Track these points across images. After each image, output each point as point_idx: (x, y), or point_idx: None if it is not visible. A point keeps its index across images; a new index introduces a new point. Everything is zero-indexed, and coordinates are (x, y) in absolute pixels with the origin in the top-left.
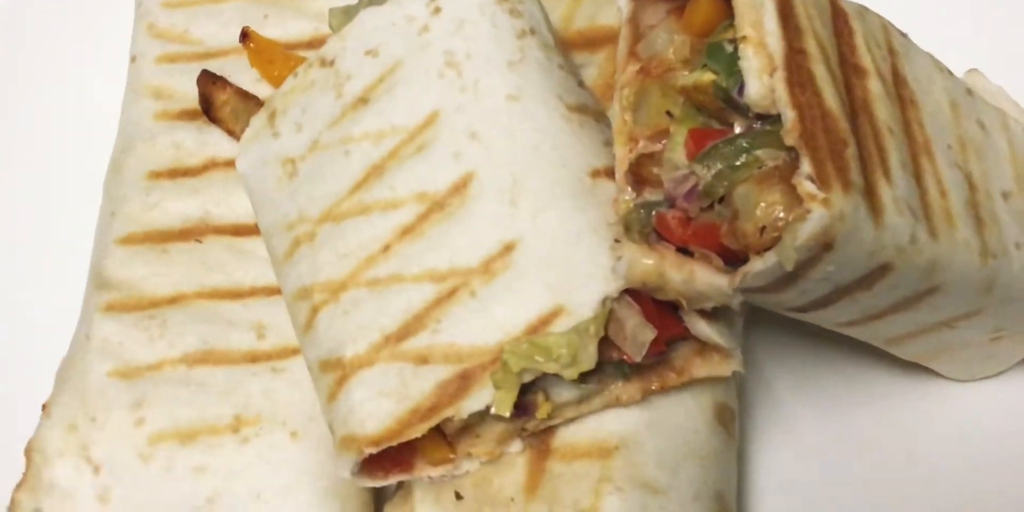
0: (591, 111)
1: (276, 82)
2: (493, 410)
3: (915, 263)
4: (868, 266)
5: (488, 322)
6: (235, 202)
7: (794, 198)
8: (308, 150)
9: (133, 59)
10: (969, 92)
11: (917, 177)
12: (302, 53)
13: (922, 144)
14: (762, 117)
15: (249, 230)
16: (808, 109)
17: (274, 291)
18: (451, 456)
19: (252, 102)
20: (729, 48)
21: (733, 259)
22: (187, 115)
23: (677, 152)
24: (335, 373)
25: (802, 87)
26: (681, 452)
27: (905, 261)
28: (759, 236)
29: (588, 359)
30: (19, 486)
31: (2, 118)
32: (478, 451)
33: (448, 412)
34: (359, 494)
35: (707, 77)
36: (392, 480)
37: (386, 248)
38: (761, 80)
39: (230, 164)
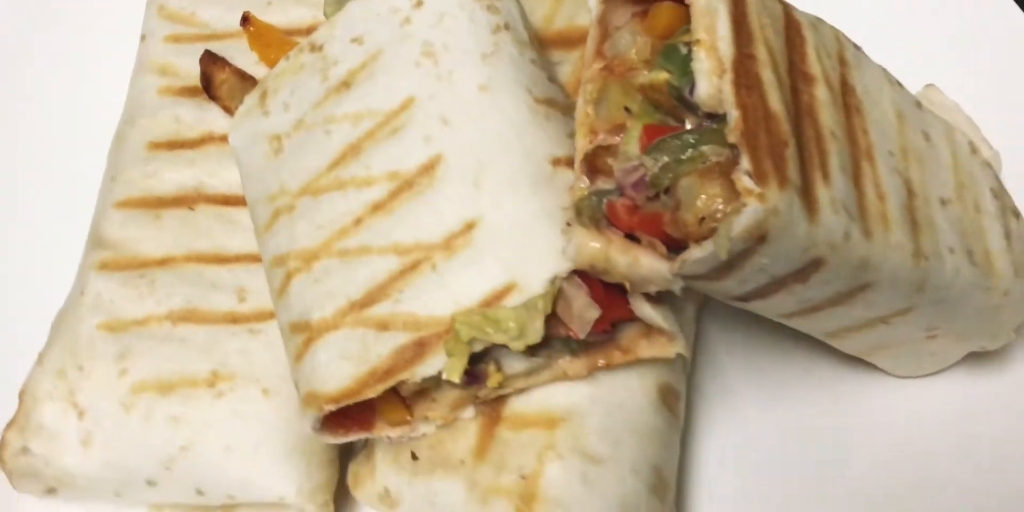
0: (559, 104)
1: (272, 64)
2: (444, 376)
3: (847, 260)
4: (802, 260)
5: (446, 294)
6: (227, 174)
7: (733, 192)
8: (293, 128)
9: (143, 38)
10: (918, 105)
11: (856, 180)
12: (300, 39)
13: (864, 149)
14: (711, 116)
15: (238, 201)
16: (752, 110)
17: (257, 259)
18: (408, 419)
19: (249, 82)
20: (684, 50)
21: (675, 247)
22: (188, 92)
23: (632, 145)
24: (303, 335)
25: (748, 89)
26: (623, 427)
27: (837, 257)
28: (698, 226)
29: (535, 333)
30: (9, 426)
31: (22, 90)
32: (434, 415)
33: (403, 375)
34: (324, 451)
35: (662, 76)
36: (352, 438)
37: (357, 222)
38: (711, 81)
39: (225, 139)
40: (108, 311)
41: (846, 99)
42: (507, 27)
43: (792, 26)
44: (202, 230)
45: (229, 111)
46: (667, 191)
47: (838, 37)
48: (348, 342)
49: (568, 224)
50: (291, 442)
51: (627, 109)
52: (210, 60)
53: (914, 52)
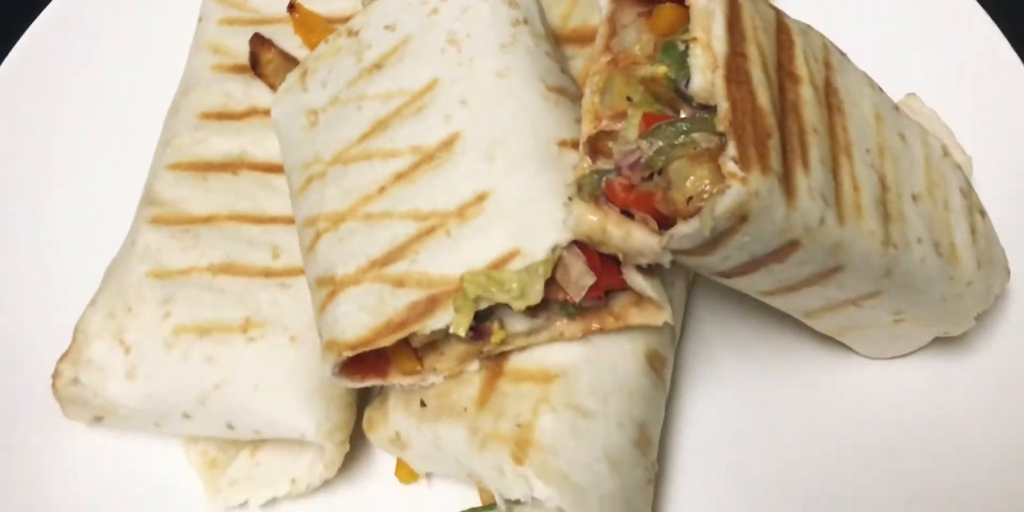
0: (568, 93)
1: (313, 47)
2: (452, 330)
3: (821, 243)
4: (779, 241)
5: (457, 257)
6: (268, 144)
7: (719, 176)
8: (329, 104)
9: (200, 19)
10: (896, 109)
11: (834, 172)
12: (339, 26)
13: (843, 145)
14: (703, 107)
15: (276, 168)
16: (741, 103)
17: (291, 221)
18: (419, 369)
19: (291, 62)
20: (682, 47)
21: (665, 223)
22: (238, 69)
23: (631, 131)
24: (327, 288)
25: (738, 84)
26: (612, 385)
27: (812, 240)
28: (686, 204)
29: (535, 295)
30: (63, 358)
31: (91, 68)
32: (442, 367)
33: (415, 327)
34: (343, 396)
35: (662, 70)
36: (368, 384)
37: (381, 189)
38: (704, 75)
39: (267, 112)
40: (156, 261)
41: (829, 99)
42: (525, 21)
43: (783, 30)
44: (243, 193)
45: (273, 87)
46: (660, 172)
47: (825, 43)
48: (367, 296)
49: (570, 199)
50: (313, 385)
51: (629, 98)
52: (258, 42)
53: (899, 64)
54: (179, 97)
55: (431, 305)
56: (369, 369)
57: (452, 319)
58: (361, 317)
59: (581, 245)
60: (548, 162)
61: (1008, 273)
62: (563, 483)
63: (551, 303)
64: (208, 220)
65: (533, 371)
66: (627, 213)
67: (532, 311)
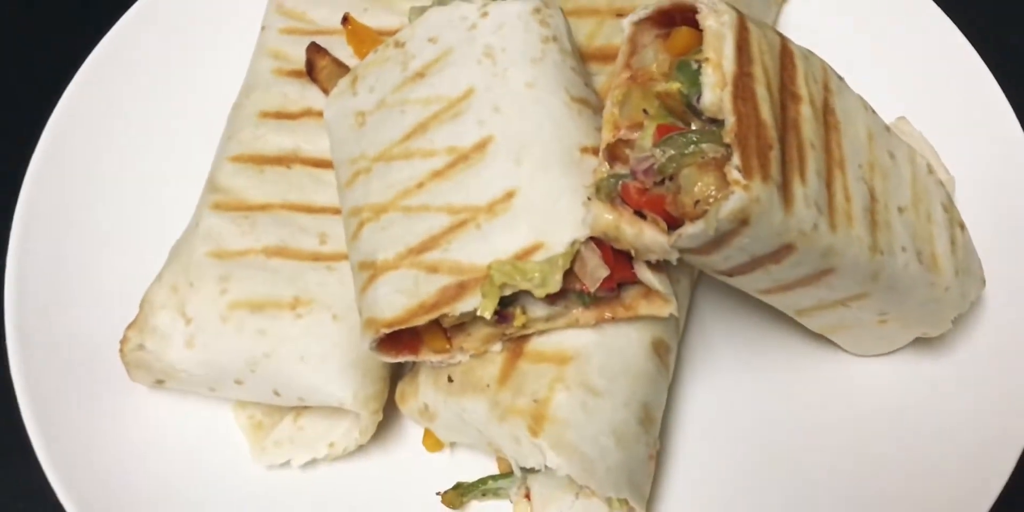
0: (591, 104)
1: (363, 56)
2: (479, 312)
3: (814, 247)
4: (776, 243)
5: (485, 248)
6: (320, 142)
7: (724, 182)
8: (375, 107)
9: (263, 28)
10: (888, 130)
11: (828, 183)
12: (387, 38)
13: (837, 160)
14: (712, 120)
15: (326, 164)
16: (746, 118)
17: (337, 211)
18: (448, 348)
19: (343, 69)
20: (695, 66)
21: (674, 224)
22: (295, 74)
23: (646, 140)
24: (368, 272)
25: (744, 101)
26: (620, 368)
27: (806, 244)
28: (694, 207)
29: (554, 284)
30: (130, 326)
31: (169, 69)
32: (468, 346)
33: (445, 309)
34: (378, 369)
35: (676, 86)
36: (401, 359)
37: (420, 185)
38: (714, 92)
39: (320, 114)
40: (216, 242)
41: (826, 118)
42: (554, 39)
43: (787, 54)
44: (296, 185)
45: (326, 91)
46: (671, 178)
47: (825, 68)
48: (403, 280)
49: (589, 199)
50: (352, 359)
51: (645, 111)
52: (314, 50)
53: (892, 91)
54: (242, 97)
55: (461, 290)
56: (403, 346)
57: (479, 303)
58: (398, 299)
59: (597, 241)
60: (570, 165)
61: (983, 282)
62: (573, 454)
63: (568, 292)
64: (264, 208)
65: (550, 353)
66: (640, 214)
67: (551, 299)
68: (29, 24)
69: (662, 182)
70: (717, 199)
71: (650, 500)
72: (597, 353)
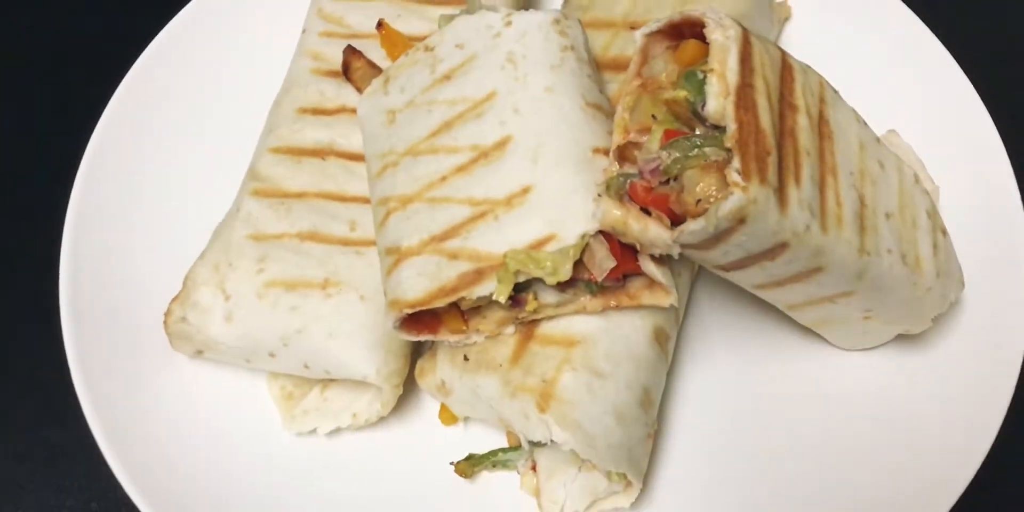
0: (604, 110)
1: (395, 59)
2: (494, 297)
3: (806, 246)
4: (771, 242)
5: (502, 238)
6: (353, 137)
7: (724, 184)
8: (405, 106)
9: (303, 31)
10: (878, 141)
11: (821, 188)
12: (417, 42)
13: (830, 167)
14: (715, 127)
15: (358, 157)
16: (747, 125)
17: (367, 201)
18: (464, 329)
19: (376, 70)
20: (701, 76)
21: (677, 221)
22: (332, 74)
23: (654, 143)
24: (393, 257)
25: (745, 110)
26: (623, 353)
27: (799, 243)
28: (695, 206)
29: (565, 273)
30: (174, 300)
31: (216, 67)
32: (483, 328)
33: (463, 293)
34: (401, 347)
35: (682, 94)
36: (421, 338)
37: (443, 178)
38: (718, 100)
39: (354, 111)
40: (255, 226)
41: (821, 128)
42: (572, 48)
43: (786, 68)
44: (330, 175)
45: (359, 90)
46: (675, 178)
47: (821, 81)
48: (426, 265)
49: (599, 196)
50: (376, 337)
51: (654, 116)
52: (350, 52)
53: (883, 106)
54: (282, 94)
55: (478, 276)
56: (423, 326)
57: (495, 288)
58: (420, 282)
59: (606, 234)
60: (583, 164)
61: (962, 285)
62: (577, 430)
63: (577, 281)
64: (299, 196)
65: (559, 337)
66: (645, 210)
67: (561, 287)
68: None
69: (667, 182)
70: (717, 199)
71: (647, 475)
72: (603, 338)
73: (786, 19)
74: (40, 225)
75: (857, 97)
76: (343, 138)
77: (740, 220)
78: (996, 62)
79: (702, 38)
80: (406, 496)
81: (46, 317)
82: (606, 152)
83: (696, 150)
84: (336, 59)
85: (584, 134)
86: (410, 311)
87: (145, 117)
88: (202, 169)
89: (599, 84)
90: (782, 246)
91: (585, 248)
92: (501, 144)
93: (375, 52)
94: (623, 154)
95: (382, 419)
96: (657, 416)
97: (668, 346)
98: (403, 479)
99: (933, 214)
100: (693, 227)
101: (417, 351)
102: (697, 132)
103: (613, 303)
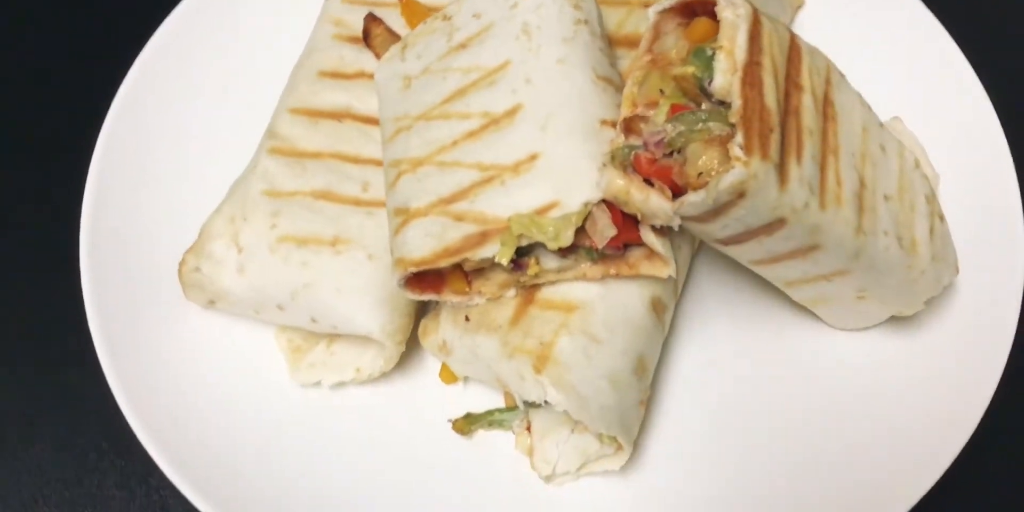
0: (614, 83)
1: (414, 27)
2: (496, 259)
3: (804, 223)
4: (769, 217)
5: (508, 202)
6: (370, 101)
7: (726, 158)
8: (421, 73)
9: None
10: (881, 125)
11: (822, 167)
12: (436, 12)
13: (832, 147)
14: (721, 102)
15: (374, 121)
16: (751, 102)
17: (379, 163)
18: (467, 290)
19: (395, 37)
20: (710, 53)
21: (678, 193)
22: (352, 39)
23: (660, 116)
24: (402, 217)
25: (751, 86)
26: (619, 320)
27: (797, 220)
28: (697, 179)
29: (566, 238)
30: (189, 250)
31: (242, 31)
32: (485, 290)
33: (467, 254)
34: (405, 306)
35: (691, 70)
36: (425, 297)
37: (454, 143)
38: (725, 77)
39: (372, 76)
40: (270, 182)
41: (825, 109)
42: (586, 22)
43: (794, 49)
44: (345, 137)
45: (378, 56)
46: (679, 151)
47: (828, 64)
48: (432, 226)
49: (604, 165)
50: (382, 295)
51: (661, 91)
52: (371, 19)
53: (890, 93)
54: (303, 57)
55: (482, 238)
56: (427, 286)
57: (498, 250)
58: (426, 242)
59: (608, 204)
60: (590, 135)
61: (956, 270)
62: (571, 392)
63: (579, 248)
64: (315, 155)
65: (558, 302)
66: (649, 182)
67: (563, 253)
68: None
69: (671, 154)
70: (719, 172)
71: (638, 441)
72: (601, 305)
73: (799, 7)
74: (64, 171)
75: (864, 84)
76: (360, 102)
77: (740, 194)
78: (1002, 55)
79: (713, 16)
80: (403, 450)
81: (67, 264)
82: (614, 124)
83: (701, 124)
84: (357, 26)
85: (593, 106)
86: (415, 270)
87: (173, 72)
88: (223, 126)
89: (610, 58)
90: (780, 222)
91: (588, 216)
92: (512, 112)
93: (395, 20)
94: (630, 127)
95: (385, 375)
96: (651, 385)
97: (665, 317)
98: (401, 434)
99: (932, 199)
100: (693, 199)
101: (421, 311)
102: (703, 107)
103: (613, 271)
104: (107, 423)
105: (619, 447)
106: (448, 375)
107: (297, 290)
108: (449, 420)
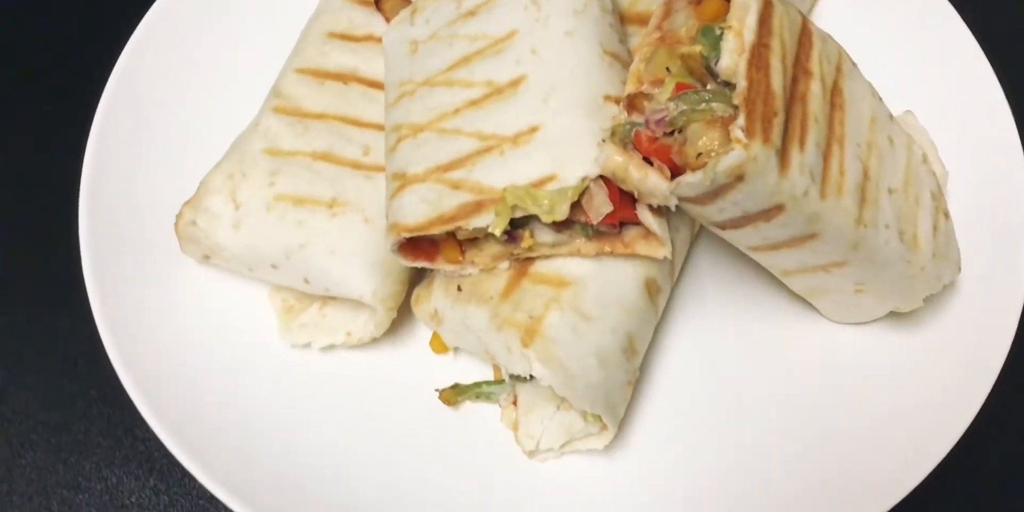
0: (621, 59)
1: None
2: (490, 229)
3: (802, 211)
4: (767, 203)
5: (505, 173)
6: (376, 64)
7: (727, 139)
8: (428, 38)
9: None
10: (891, 117)
11: (825, 156)
12: None
13: (837, 136)
14: (726, 83)
15: (379, 85)
16: (757, 84)
17: (382, 127)
18: (460, 260)
19: (405, 2)
20: (718, 32)
21: (677, 173)
22: (363, 2)
23: (664, 95)
24: (399, 182)
25: (758, 69)
26: (611, 298)
27: (795, 207)
28: (696, 159)
29: (561, 212)
30: (187, 203)
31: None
32: (479, 261)
33: (461, 223)
34: (398, 272)
35: (698, 49)
36: (418, 264)
37: (456, 111)
38: (732, 57)
39: (380, 40)
40: (272, 141)
41: (833, 97)
42: None
43: (805, 33)
44: (350, 100)
45: (387, 20)
46: (680, 131)
47: (840, 52)
48: (428, 192)
49: (603, 141)
50: (376, 259)
51: (668, 69)
52: None
53: (904, 87)
54: (313, 19)
55: (477, 207)
56: (421, 253)
57: (492, 221)
58: (421, 207)
59: (606, 180)
60: (593, 110)
61: (958, 268)
62: (557, 367)
63: (574, 224)
64: (318, 116)
65: (551, 276)
66: (648, 160)
67: (558, 227)
68: None
69: (671, 133)
70: (718, 153)
71: (623, 422)
72: (593, 282)
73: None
74: (64, 122)
75: (880, 77)
76: (366, 65)
77: (738, 177)
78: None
79: None
80: (388, 416)
81: (64, 217)
82: (617, 100)
83: (704, 104)
84: None
85: (598, 80)
86: (408, 235)
87: (179, 32)
88: (228, 82)
89: (620, 34)
90: (778, 208)
91: (584, 191)
92: (515, 82)
93: None
94: (633, 103)
95: (375, 341)
96: (641, 366)
97: (658, 299)
98: (388, 400)
99: (938, 196)
100: (691, 179)
101: (415, 280)
102: (708, 87)
103: (608, 248)
104: (98, 372)
105: (604, 427)
106: (438, 345)
107: (291, 249)
108: (436, 390)
